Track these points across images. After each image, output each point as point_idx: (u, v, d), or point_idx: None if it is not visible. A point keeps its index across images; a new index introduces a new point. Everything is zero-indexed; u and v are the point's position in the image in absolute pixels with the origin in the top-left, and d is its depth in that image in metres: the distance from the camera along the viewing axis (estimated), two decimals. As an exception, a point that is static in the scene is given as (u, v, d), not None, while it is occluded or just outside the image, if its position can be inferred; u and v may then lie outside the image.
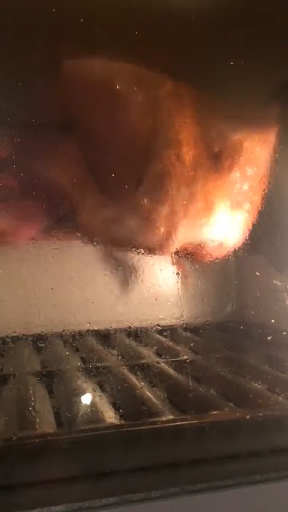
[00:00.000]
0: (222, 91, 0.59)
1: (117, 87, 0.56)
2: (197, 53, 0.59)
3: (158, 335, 0.80)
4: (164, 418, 0.53)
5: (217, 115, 0.61)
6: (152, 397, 0.59)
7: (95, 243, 0.59)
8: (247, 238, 0.64)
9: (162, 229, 0.60)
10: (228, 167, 0.61)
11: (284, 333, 0.66)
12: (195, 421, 0.52)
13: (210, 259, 0.64)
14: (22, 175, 0.55)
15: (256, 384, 0.64)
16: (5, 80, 0.53)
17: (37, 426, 0.51)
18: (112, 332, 0.77)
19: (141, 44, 0.56)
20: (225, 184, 0.62)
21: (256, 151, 0.62)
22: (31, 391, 0.61)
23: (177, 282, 0.61)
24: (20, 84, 0.53)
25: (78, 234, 0.58)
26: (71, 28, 0.54)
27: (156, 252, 0.60)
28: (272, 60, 0.62)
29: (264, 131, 0.64)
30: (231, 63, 0.57)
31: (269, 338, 0.66)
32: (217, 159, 0.60)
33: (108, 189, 0.59)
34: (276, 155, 0.63)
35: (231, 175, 0.62)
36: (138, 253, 0.58)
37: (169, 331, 0.78)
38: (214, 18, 0.59)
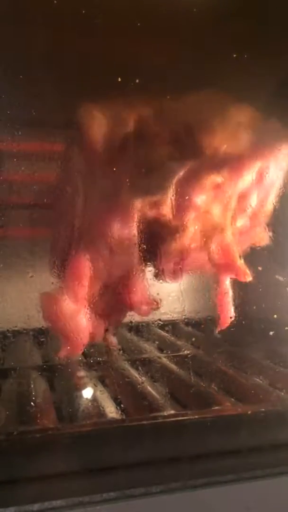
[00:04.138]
0: (224, 84, 0.59)
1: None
2: (200, 44, 0.59)
3: (159, 330, 0.80)
4: (165, 413, 0.53)
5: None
6: (153, 392, 0.59)
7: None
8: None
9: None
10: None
11: (286, 328, 0.65)
12: (197, 416, 0.52)
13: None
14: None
15: (257, 379, 0.64)
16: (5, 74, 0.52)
17: (38, 420, 0.51)
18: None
19: (142, 35, 0.56)
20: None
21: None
22: (32, 386, 0.61)
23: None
24: (20, 77, 0.53)
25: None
26: (72, 19, 0.54)
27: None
28: (274, 55, 0.61)
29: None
30: (234, 55, 0.57)
31: (271, 333, 0.66)
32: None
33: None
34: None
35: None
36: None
37: (170, 326, 0.77)
38: (217, 9, 0.58)
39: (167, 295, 0.61)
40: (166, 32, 0.58)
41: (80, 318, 0.56)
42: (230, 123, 0.59)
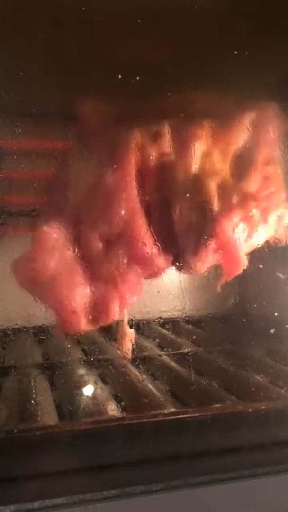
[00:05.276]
0: (225, 82, 0.59)
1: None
2: (200, 42, 0.58)
3: (160, 328, 0.80)
4: (166, 411, 0.53)
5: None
6: (154, 390, 0.59)
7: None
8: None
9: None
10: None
11: (287, 326, 0.65)
12: (197, 414, 0.51)
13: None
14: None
15: (258, 377, 0.64)
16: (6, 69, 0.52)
17: (39, 418, 0.51)
18: (114, 324, 0.77)
19: (143, 33, 0.56)
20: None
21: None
22: (32, 384, 0.61)
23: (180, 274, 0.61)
24: (20, 74, 0.53)
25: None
26: (72, 16, 0.53)
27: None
28: (275, 52, 0.61)
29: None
30: (235, 52, 0.57)
31: (272, 331, 0.66)
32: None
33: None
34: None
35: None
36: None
37: (171, 323, 0.77)
38: (217, 7, 0.58)
39: (167, 293, 0.61)
40: (167, 29, 0.57)
41: (66, 278, 0.51)
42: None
